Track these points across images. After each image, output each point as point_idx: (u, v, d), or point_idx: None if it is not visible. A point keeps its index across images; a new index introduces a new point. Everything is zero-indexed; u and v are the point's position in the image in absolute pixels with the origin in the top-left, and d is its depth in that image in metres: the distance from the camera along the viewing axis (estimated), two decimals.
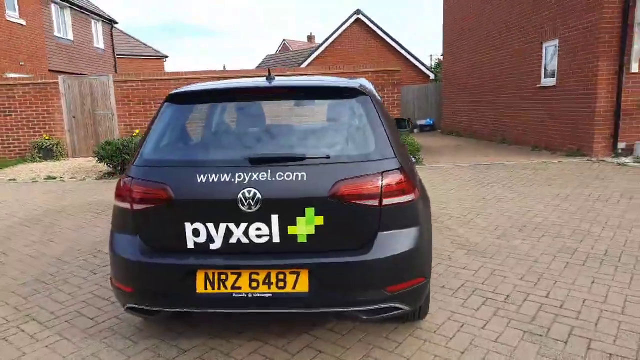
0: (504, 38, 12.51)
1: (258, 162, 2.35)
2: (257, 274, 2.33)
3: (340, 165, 2.34)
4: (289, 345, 2.73)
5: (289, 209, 2.30)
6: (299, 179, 2.31)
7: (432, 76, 21.98)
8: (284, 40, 40.72)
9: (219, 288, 2.35)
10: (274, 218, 2.31)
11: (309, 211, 2.30)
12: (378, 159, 2.38)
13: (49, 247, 4.75)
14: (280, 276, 2.32)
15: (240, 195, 2.30)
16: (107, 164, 8.91)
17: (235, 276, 2.34)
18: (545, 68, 10.79)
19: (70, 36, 19.02)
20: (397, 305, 2.39)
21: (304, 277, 2.31)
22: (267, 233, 2.33)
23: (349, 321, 2.94)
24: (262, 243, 2.34)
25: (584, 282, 3.43)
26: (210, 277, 2.35)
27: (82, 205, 6.57)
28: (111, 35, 23.31)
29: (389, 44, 21.60)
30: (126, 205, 2.50)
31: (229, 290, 2.34)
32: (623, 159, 8.54)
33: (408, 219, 2.42)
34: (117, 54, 24.22)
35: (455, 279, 3.57)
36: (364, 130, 2.49)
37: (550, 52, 10.57)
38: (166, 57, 32.15)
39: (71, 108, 11.61)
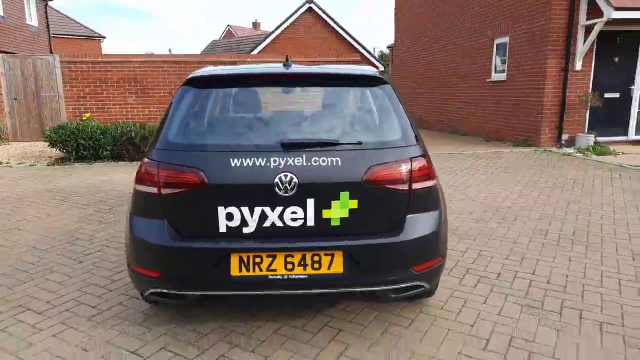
0: (457, 34, 13.03)
1: (292, 147, 2.38)
2: (293, 256, 2.37)
3: (372, 152, 2.43)
4: (308, 325, 2.79)
5: (325, 193, 2.36)
6: (334, 164, 2.37)
7: (381, 67, 22.48)
8: (228, 26, 39.77)
9: (254, 271, 2.37)
10: (310, 202, 2.36)
11: (344, 195, 2.37)
12: (406, 146, 2.49)
13: (19, 235, 4.47)
14: (316, 258, 2.38)
15: (277, 179, 2.33)
16: (60, 149, 8.41)
17: (271, 259, 2.37)
18: (495, 64, 11.40)
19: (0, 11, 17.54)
20: (421, 283, 2.53)
21: (339, 258, 2.39)
22: (302, 216, 2.37)
23: (361, 301, 3.05)
24: (297, 227, 2.38)
25: (562, 260, 3.75)
26: (245, 260, 2.37)
27: (42, 192, 6.19)
28: (45, 12, 21.72)
29: (340, 34, 21.80)
30: (152, 189, 2.44)
31: (264, 272, 2.37)
32: (567, 150, 9.25)
33: (431, 202, 2.56)
34: (52, 34, 22.63)
35: (448, 259, 3.78)
36: (389, 117, 2.58)
37: (501, 49, 11.17)
38: (103, 37, 30.54)
39: (12, 89, 10.78)
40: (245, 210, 2.36)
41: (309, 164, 2.36)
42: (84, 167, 8.02)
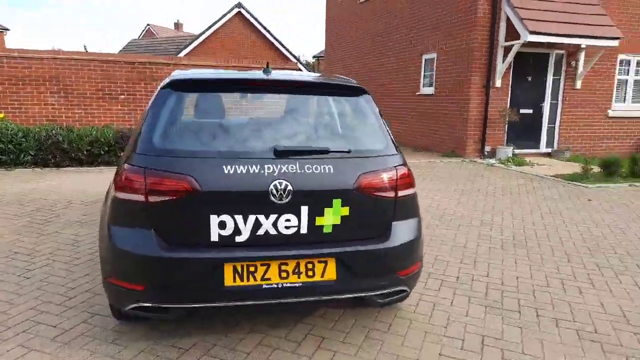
0: (389, 47, 13.62)
1: (285, 154, 2.39)
2: (287, 264, 2.37)
3: (361, 160, 2.51)
4: (291, 335, 2.79)
5: (319, 201, 2.39)
6: (327, 171, 2.41)
7: None
8: (148, 25, 38.11)
9: (248, 280, 2.34)
10: (304, 209, 2.38)
11: (337, 202, 2.42)
12: (390, 155, 2.60)
13: None
14: (309, 265, 2.40)
15: (271, 186, 2.32)
16: None
17: (265, 267, 2.35)
18: (424, 78, 12.06)
19: None
20: (404, 288, 2.64)
21: (332, 265, 2.43)
22: (296, 224, 2.38)
23: (339, 308, 3.10)
24: (290, 234, 2.39)
25: (510, 263, 4.08)
26: (239, 269, 2.33)
27: None
28: None
29: (269, 40, 21.80)
30: (137, 197, 2.32)
31: (258, 282, 2.34)
32: (490, 160, 10.01)
33: (412, 209, 2.69)
34: None
35: None
36: (372, 126, 2.68)
37: (428, 64, 11.85)
38: (7, 30, 27.97)
39: None
40: (238, 218, 2.33)
41: (303, 171, 2.38)
42: (3, 174, 7.28)
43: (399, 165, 2.60)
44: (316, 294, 2.43)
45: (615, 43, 10.08)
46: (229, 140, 2.47)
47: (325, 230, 2.43)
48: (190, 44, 21.00)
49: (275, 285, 2.36)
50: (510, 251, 4.38)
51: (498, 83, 10.26)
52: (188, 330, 2.79)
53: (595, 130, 11.38)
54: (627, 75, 11.57)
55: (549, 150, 11.09)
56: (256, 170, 2.34)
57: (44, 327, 2.78)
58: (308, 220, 2.40)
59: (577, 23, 9.88)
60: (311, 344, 2.70)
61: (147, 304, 2.36)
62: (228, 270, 2.32)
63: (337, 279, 2.43)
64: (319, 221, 2.41)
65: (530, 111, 10.78)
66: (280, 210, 2.35)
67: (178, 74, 2.76)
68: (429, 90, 11.73)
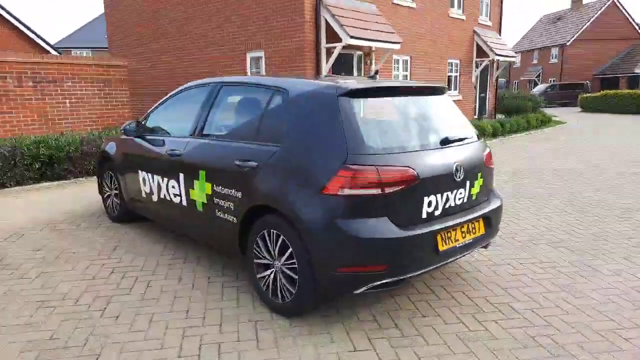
0: (203, 45, 13.70)
1: (448, 143, 3.16)
2: (463, 227, 3.17)
3: (477, 143, 3.46)
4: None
5: (474, 175, 3.27)
6: (473, 153, 3.30)
7: None
8: None
9: (448, 244, 3.04)
10: (468, 183, 3.21)
11: (479, 175, 3.33)
12: (480, 140, 3.62)
13: None
14: (471, 226, 3.25)
15: (454, 168, 3.07)
16: None
17: (454, 232, 3.10)
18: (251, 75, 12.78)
19: None
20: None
21: (481, 223, 3.34)
22: (463, 195, 3.20)
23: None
24: (460, 204, 3.19)
25: None
26: (444, 236, 3.01)
27: None
28: None
29: (24, 33, 18.35)
30: (373, 191, 2.73)
31: (453, 243, 3.08)
32: None
33: (493, 177, 3.77)
34: None
35: None
36: (462, 117, 3.62)
37: (255, 62, 12.62)
38: None
39: None
40: (438, 196, 3.01)
41: (464, 154, 3.20)
42: None
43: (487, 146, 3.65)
44: (475, 246, 3.30)
45: (397, 46, 12.96)
46: (410, 136, 3.06)
47: (473, 198, 3.32)
48: None
49: (461, 244, 3.13)
50: None
51: None
52: (366, 302, 3.25)
53: None
54: (398, 71, 14.91)
55: None
56: (444, 157, 3.04)
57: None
58: (468, 191, 3.23)
59: (375, 30, 12.29)
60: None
61: (388, 280, 2.80)
62: (439, 238, 2.97)
63: (484, 233, 3.35)
64: (472, 191, 3.29)
65: None
66: (457, 186, 3.13)
67: (349, 84, 3.07)
68: None
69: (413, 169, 2.86)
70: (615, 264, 4.13)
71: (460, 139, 3.31)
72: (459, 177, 3.14)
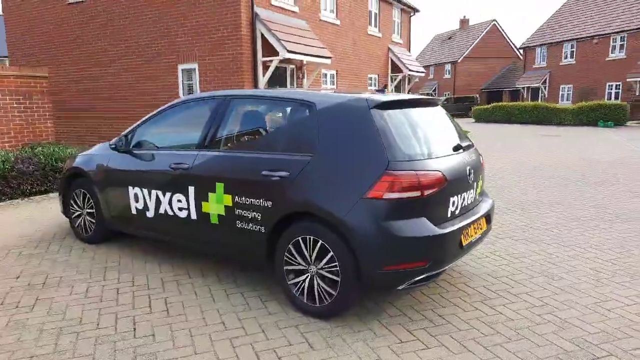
0: (131, 55, 13.08)
1: (458, 149, 3.56)
2: (475, 224, 3.57)
3: (475, 149, 3.92)
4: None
5: (478, 177, 3.71)
6: (476, 158, 3.75)
7: None
8: None
9: (468, 239, 3.42)
10: (475, 184, 3.64)
11: (480, 177, 3.78)
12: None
13: None
14: (479, 222, 3.67)
15: (467, 170, 3.48)
16: None
17: (470, 228, 3.48)
18: (183, 87, 12.47)
19: None
20: None
21: (484, 220, 3.77)
22: (473, 195, 3.62)
23: None
24: (470, 203, 3.60)
25: None
26: (464, 232, 3.37)
27: None
28: None
29: None
30: (414, 194, 3.02)
31: (470, 238, 3.48)
32: None
33: None
34: None
35: None
36: (459, 127, 4.07)
37: (186, 74, 12.35)
38: None
39: None
40: (458, 197, 3.38)
41: (471, 158, 3.63)
42: None
43: None
44: (481, 241, 3.72)
45: (329, 61, 13.52)
46: (433, 143, 3.40)
47: (477, 197, 3.75)
48: None
49: (474, 239, 3.54)
50: None
51: None
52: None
53: None
54: (326, 84, 15.48)
55: None
56: (460, 161, 3.43)
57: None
58: (475, 191, 3.66)
59: (308, 45, 12.70)
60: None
61: (427, 274, 3.09)
62: (462, 234, 3.33)
63: (486, 229, 3.79)
64: (477, 191, 3.71)
65: None
66: (469, 187, 3.54)
67: (380, 97, 3.34)
68: None
69: (442, 172, 3.20)
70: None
71: (468, 146, 3.74)
72: (471, 179, 3.55)
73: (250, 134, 3.84)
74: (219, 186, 3.70)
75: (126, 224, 4.62)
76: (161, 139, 4.38)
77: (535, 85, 37.07)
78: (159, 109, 4.50)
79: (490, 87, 45.56)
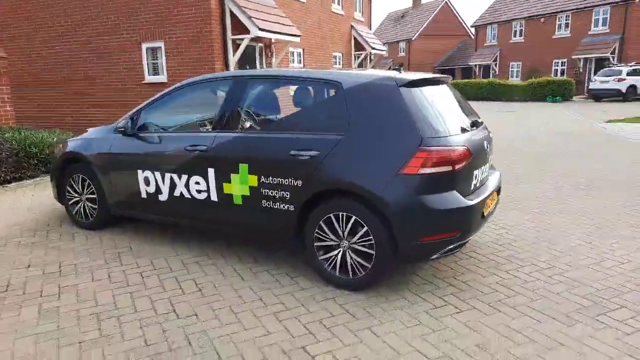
0: (92, 34, 12.42)
1: (476, 124, 3.75)
2: (490, 197, 3.78)
3: (485, 125, 4.12)
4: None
5: (490, 151, 3.91)
6: (488, 133, 3.95)
7: None
8: None
9: (487, 210, 3.64)
10: (489, 158, 3.84)
11: (491, 151, 3.99)
12: None
13: None
14: (494, 194, 3.87)
15: (485, 145, 3.67)
16: None
17: (488, 200, 3.69)
18: (148, 66, 12.03)
19: None
20: None
21: (496, 193, 3.98)
22: (486, 168, 3.83)
23: None
24: (485, 176, 3.81)
25: None
26: (483, 204, 3.57)
27: None
28: None
29: None
30: (446, 168, 3.18)
31: (488, 209, 3.69)
32: None
33: None
34: None
35: None
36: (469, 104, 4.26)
37: (151, 52, 11.91)
38: None
39: None
40: (478, 170, 3.57)
41: (485, 134, 3.82)
42: None
43: None
44: (494, 212, 3.95)
45: (297, 39, 13.41)
46: (456, 119, 3.55)
47: (489, 170, 3.96)
48: None
49: (490, 210, 3.76)
50: None
51: (233, 69, 11.79)
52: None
53: None
54: (293, 63, 15.38)
55: None
56: (479, 136, 3.62)
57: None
58: (488, 165, 3.87)
59: (277, 23, 12.54)
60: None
61: (457, 244, 3.28)
62: (484, 205, 3.54)
63: (497, 200, 4.03)
64: (489, 165, 3.92)
65: None
66: (485, 161, 3.74)
67: (406, 75, 3.43)
68: (160, 78, 11.90)
69: (468, 147, 3.37)
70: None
71: (481, 121, 3.93)
72: (487, 154, 3.75)
73: (273, 114, 3.86)
74: (243, 167, 3.71)
75: (134, 209, 4.54)
76: (174, 121, 4.31)
77: (486, 62, 38.31)
78: (165, 91, 4.40)
79: (443, 64, 46.62)
